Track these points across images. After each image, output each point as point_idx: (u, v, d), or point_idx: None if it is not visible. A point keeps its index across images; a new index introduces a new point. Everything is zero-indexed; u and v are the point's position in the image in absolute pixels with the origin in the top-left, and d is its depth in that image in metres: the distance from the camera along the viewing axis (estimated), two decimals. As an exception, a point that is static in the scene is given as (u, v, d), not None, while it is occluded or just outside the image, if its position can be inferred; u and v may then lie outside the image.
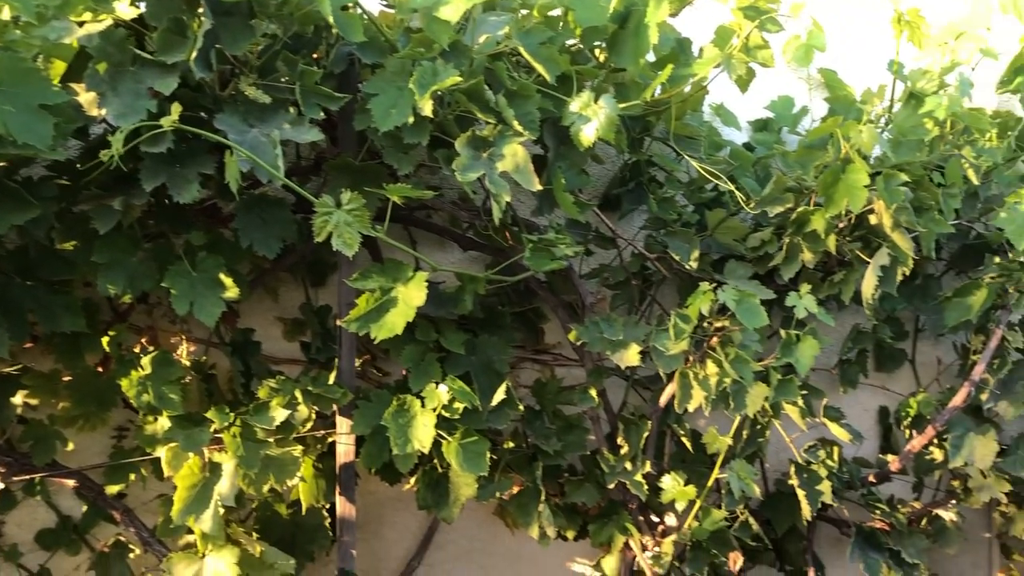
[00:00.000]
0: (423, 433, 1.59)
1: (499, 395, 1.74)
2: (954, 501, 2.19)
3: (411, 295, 1.50)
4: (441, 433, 1.65)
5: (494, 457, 1.86)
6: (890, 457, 2.15)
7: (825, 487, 1.97)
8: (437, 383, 1.64)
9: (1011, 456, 2.12)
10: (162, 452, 1.58)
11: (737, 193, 1.82)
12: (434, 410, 1.62)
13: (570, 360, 2.07)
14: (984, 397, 2.09)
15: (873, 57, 2.06)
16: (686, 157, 1.86)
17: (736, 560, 2.03)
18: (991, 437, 2.07)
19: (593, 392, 1.89)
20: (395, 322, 1.49)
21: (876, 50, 2.07)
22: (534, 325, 2.07)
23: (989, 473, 2.11)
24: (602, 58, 1.71)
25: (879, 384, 2.32)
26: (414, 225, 1.97)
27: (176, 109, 1.26)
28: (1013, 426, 2.22)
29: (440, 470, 1.75)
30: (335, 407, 1.72)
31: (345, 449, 1.74)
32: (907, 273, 1.89)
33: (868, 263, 1.84)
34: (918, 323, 2.33)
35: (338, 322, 1.53)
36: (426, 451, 1.59)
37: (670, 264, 1.93)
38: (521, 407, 1.79)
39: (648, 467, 1.90)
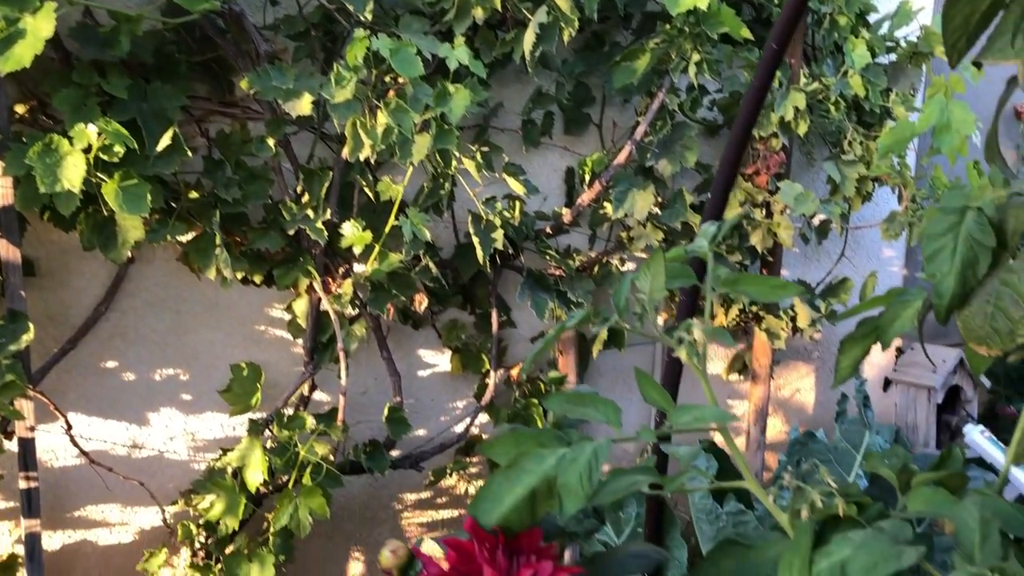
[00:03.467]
0: (72, 173, 1.60)
1: (165, 140, 1.76)
2: (622, 250, 2.48)
3: (40, 27, 1.45)
4: (99, 175, 1.67)
5: (173, 204, 1.92)
6: (564, 210, 2.37)
7: (498, 235, 2.16)
8: (88, 123, 1.63)
9: (669, 209, 2.40)
10: None
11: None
12: (85, 151, 1.62)
13: (258, 113, 2.10)
14: (647, 155, 2.33)
15: None
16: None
17: (421, 301, 2.23)
18: (650, 192, 2.32)
19: (271, 142, 1.95)
20: (23, 54, 1.45)
21: None
22: (221, 77, 2.06)
23: (647, 223, 2.39)
24: None
25: (565, 146, 2.51)
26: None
27: None
28: (677, 182, 2.49)
29: (106, 213, 1.78)
30: (-12, 150, 1.68)
31: (3, 192, 1.72)
32: (573, 34, 2.02)
33: (532, 21, 1.94)
34: (605, 89, 2.50)
35: (-40, 53, 1.47)
36: (75, 190, 1.61)
37: (351, 16, 1.96)
38: (190, 153, 1.82)
39: (329, 215, 2.01)
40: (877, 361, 3.30)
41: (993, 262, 0.85)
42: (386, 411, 2.18)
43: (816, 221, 2.74)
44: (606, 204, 2.39)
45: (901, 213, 2.54)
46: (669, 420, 0.76)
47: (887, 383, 3.13)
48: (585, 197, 2.31)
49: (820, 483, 0.84)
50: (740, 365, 2.94)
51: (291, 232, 1.99)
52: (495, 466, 0.77)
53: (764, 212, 2.49)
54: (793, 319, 2.72)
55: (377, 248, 2.05)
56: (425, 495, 2.52)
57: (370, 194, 2.09)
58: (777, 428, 3.13)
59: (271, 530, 1.98)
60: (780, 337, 2.67)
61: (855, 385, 1.36)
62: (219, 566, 2.00)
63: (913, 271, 3.17)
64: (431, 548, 0.78)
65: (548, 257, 2.36)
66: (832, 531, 0.80)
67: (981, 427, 2.51)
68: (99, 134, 1.63)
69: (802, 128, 2.41)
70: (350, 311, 2.13)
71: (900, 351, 3.19)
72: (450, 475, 2.39)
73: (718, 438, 0.91)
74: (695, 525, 1.23)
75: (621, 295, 0.82)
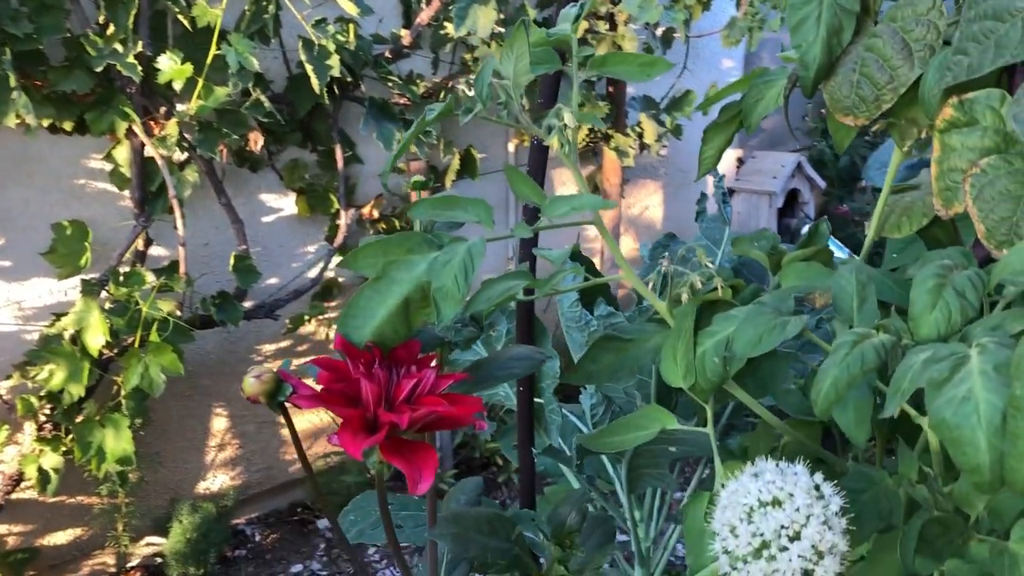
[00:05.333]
0: None
1: (-73, -36, 1.50)
2: (467, 73, 2.37)
3: None
4: None
5: (-48, 45, 1.66)
6: (403, 32, 2.23)
7: (334, 62, 2.01)
8: None
9: (512, 25, 2.29)
10: None
11: None
12: None
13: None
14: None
15: None
16: None
17: (256, 139, 2.07)
18: (492, 7, 2.20)
19: (60, -36, 1.70)
20: None
21: None
22: None
23: (491, 42, 2.28)
24: None
25: (398, -39, 2.33)
26: None
27: None
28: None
29: None
30: None
31: None
32: None
33: None
34: None
35: None
36: None
37: None
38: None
39: (141, 47, 1.80)
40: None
41: (857, 28, 0.83)
42: (232, 260, 2.06)
43: (659, 32, 2.71)
44: (447, 23, 2.26)
45: (740, 18, 2.53)
46: (543, 212, 0.71)
47: (729, 193, 3.23)
48: (424, 15, 2.17)
49: (696, 268, 0.82)
50: (591, 187, 2.95)
51: (99, 70, 1.76)
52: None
53: (608, 24, 2.42)
54: (640, 136, 2.72)
55: (200, 82, 1.87)
56: (285, 343, 2.44)
57: (185, 22, 1.88)
58: (629, 246, 3.20)
59: (123, 393, 1.87)
60: (629, 155, 2.68)
61: (713, 181, 1.36)
62: (70, 437, 1.88)
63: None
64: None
65: (390, 84, 2.23)
66: (710, 315, 0.79)
67: (817, 226, 2.63)
68: None
69: (642, -68, 2.32)
70: (178, 155, 1.96)
71: (741, 161, 3.28)
72: (308, 321, 2.32)
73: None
74: (566, 335, 1.22)
75: (483, 82, 0.75)
